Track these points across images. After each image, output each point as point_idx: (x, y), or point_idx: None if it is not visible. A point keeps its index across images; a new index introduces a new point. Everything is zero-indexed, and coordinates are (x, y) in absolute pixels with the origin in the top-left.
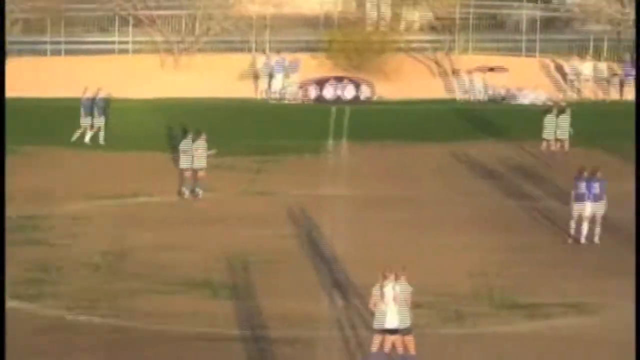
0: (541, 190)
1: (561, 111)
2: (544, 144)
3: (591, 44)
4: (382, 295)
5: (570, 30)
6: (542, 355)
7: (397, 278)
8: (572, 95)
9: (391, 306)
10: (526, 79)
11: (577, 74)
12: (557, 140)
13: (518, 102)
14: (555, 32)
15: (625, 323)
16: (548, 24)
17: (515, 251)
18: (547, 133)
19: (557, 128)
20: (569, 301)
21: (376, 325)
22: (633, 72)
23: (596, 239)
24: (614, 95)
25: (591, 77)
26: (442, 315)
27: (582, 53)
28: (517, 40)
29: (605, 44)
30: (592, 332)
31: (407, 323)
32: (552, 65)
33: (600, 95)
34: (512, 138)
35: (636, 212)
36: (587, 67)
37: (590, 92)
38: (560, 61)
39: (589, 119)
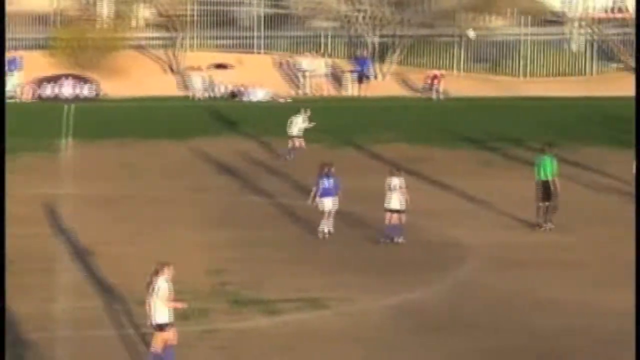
0: (279, 187)
1: (305, 109)
2: (290, 141)
3: (321, 40)
4: (151, 291)
5: (300, 27)
6: (277, 350)
7: (162, 274)
8: (302, 92)
9: (156, 302)
10: (256, 76)
11: (307, 71)
12: (297, 137)
13: (248, 98)
14: (286, 29)
15: (359, 317)
16: (278, 20)
17: (252, 247)
18: (290, 130)
19: (297, 125)
20: (305, 296)
21: (149, 322)
22: (358, 67)
23: (327, 233)
24: (344, 91)
25: (321, 73)
26: (180, 312)
27: (312, 50)
28: (247, 37)
29: (334, 41)
30: (326, 327)
31: (170, 319)
32: (282, 62)
33: (331, 92)
34: (247, 134)
35: (636, 209)
36: (317, 64)
37: (320, 88)
38: (290, 58)
39: (322, 115)
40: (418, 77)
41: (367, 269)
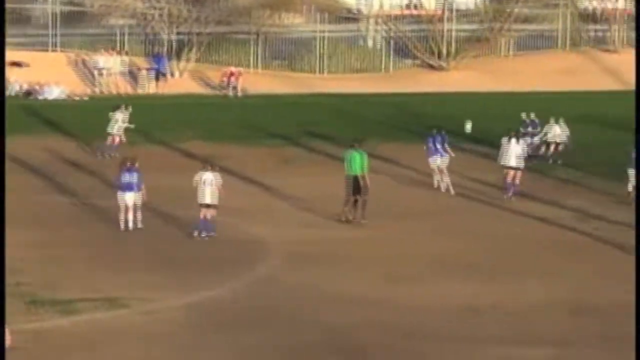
0: (83, 186)
1: (126, 106)
2: (110, 139)
3: (117, 38)
4: None
5: (96, 24)
6: (75, 350)
7: None
8: (98, 90)
9: None
10: (51, 74)
11: (104, 69)
12: (117, 134)
13: (44, 97)
14: (81, 27)
15: (159, 315)
16: (73, 18)
17: (51, 247)
18: (110, 127)
19: (117, 123)
20: (104, 295)
21: None
22: (155, 65)
23: (139, 225)
24: (140, 89)
25: (117, 71)
26: None
27: (108, 47)
28: (42, 34)
29: (131, 38)
30: (126, 326)
31: None
32: (77, 60)
33: (128, 89)
34: (44, 133)
35: (636, 211)
36: (112, 62)
37: (116, 86)
38: (86, 56)
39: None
40: (215, 75)
41: (168, 267)
